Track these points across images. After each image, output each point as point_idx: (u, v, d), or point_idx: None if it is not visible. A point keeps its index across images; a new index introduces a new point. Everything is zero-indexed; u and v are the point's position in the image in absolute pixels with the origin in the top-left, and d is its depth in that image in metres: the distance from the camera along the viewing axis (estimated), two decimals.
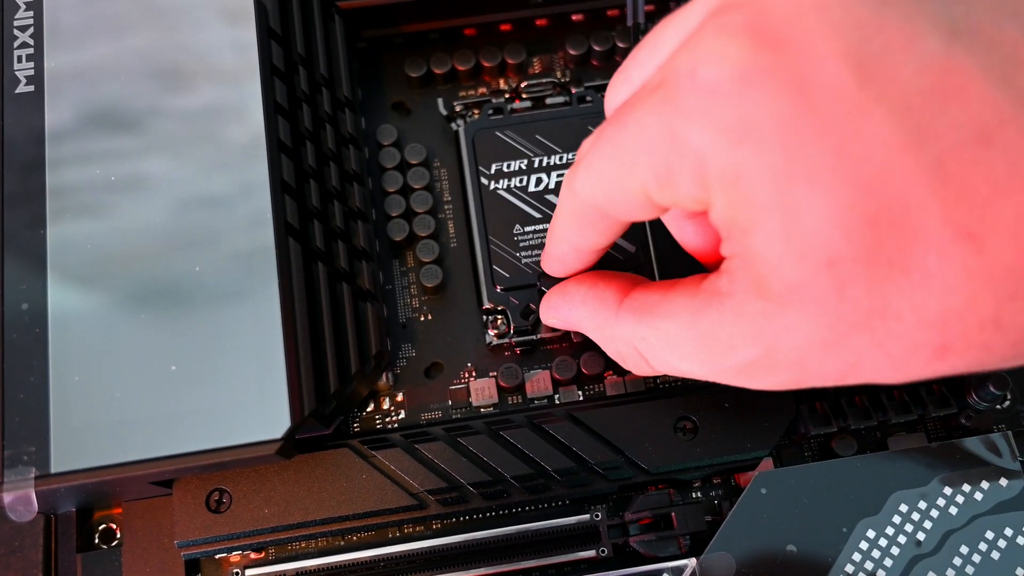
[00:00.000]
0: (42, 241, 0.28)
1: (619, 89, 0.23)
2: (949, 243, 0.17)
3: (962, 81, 0.17)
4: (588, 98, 0.34)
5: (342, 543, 0.30)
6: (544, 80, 0.35)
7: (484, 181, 0.33)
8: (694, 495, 0.30)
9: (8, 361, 0.26)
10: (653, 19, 0.36)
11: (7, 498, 0.25)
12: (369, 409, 0.32)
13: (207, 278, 0.27)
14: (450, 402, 0.32)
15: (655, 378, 0.31)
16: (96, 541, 0.30)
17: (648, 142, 0.20)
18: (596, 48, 0.35)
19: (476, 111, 0.35)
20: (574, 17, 0.36)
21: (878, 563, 0.27)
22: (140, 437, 0.26)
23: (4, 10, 0.30)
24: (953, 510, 0.27)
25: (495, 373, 0.32)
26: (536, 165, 0.33)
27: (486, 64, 0.35)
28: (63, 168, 0.28)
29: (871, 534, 0.27)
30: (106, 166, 0.29)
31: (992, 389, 0.29)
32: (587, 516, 0.29)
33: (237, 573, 0.29)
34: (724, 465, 0.29)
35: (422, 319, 0.33)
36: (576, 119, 0.33)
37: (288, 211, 0.28)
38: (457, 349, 0.32)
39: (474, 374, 0.32)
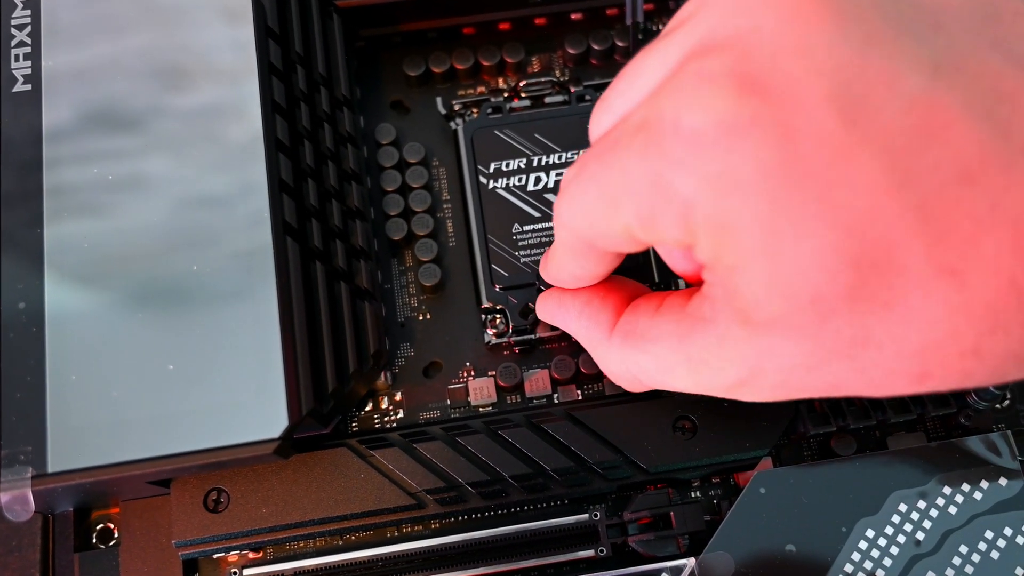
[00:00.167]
0: (39, 240, 0.28)
1: (601, 118, 0.23)
2: (931, 280, 0.18)
3: (945, 120, 0.17)
4: (587, 97, 0.34)
5: (340, 543, 0.30)
6: (543, 79, 0.35)
7: (483, 180, 0.32)
8: (693, 495, 0.30)
9: (5, 360, 0.26)
10: (652, 18, 0.36)
11: (4, 498, 0.25)
12: (367, 408, 0.31)
13: (205, 277, 0.27)
14: (448, 401, 0.32)
15: None
16: (94, 541, 0.30)
17: (631, 186, 0.20)
18: (595, 47, 0.35)
19: (475, 110, 0.34)
20: (573, 16, 0.36)
21: (877, 563, 0.27)
22: (137, 436, 0.26)
23: (1, 8, 0.30)
24: (952, 510, 0.27)
25: (494, 372, 0.32)
26: (535, 164, 0.33)
27: (485, 63, 0.35)
28: (60, 167, 0.28)
29: (870, 534, 0.27)
30: (103, 165, 0.28)
31: (992, 388, 0.29)
32: (586, 516, 0.29)
33: (235, 573, 0.29)
34: (723, 464, 0.29)
35: (420, 318, 0.33)
36: (575, 118, 0.33)
37: (286, 210, 0.28)
38: (456, 348, 0.32)
39: (473, 373, 0.32)
